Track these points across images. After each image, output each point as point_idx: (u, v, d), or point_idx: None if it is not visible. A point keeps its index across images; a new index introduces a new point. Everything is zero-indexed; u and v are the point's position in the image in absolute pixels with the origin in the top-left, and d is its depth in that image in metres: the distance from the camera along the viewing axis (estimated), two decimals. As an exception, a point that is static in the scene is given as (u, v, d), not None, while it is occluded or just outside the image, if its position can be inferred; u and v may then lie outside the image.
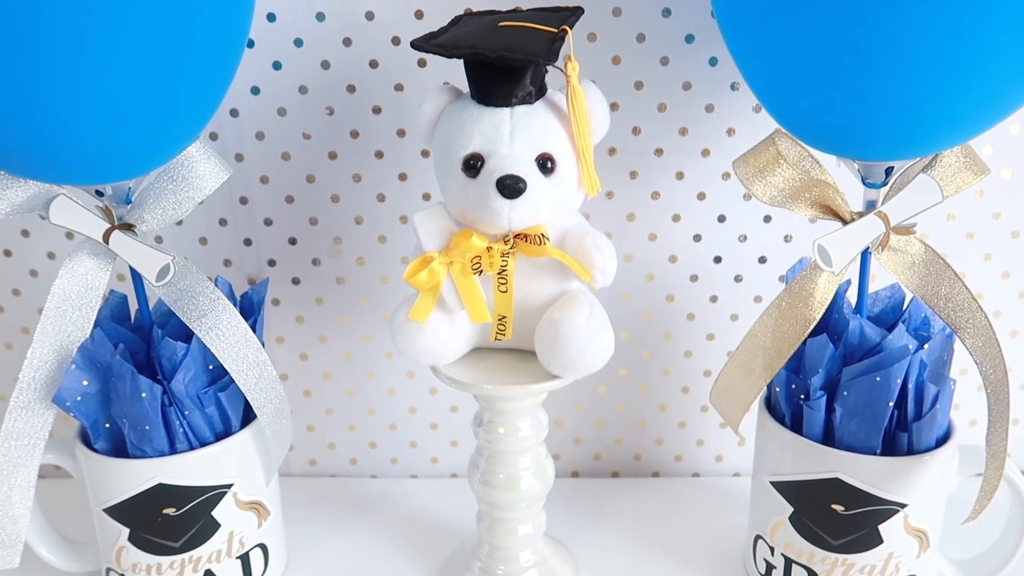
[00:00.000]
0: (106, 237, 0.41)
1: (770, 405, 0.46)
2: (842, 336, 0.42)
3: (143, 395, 0.40)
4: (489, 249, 0.39)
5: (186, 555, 0.43)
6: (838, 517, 0.42)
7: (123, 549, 0.43)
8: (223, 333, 0.42)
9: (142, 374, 0.41)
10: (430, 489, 0.59)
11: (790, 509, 0.44)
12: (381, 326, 0.57)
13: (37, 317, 0.56)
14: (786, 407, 0.43)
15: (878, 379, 0.40)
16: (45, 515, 0.46)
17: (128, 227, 0.41)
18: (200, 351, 0.42)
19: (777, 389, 0.44)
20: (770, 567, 0.46)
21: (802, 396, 0.43)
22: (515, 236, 0.39)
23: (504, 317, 0.41)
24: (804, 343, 0.42)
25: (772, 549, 0.45)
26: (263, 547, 0.47)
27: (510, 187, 0.37)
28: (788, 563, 0.44)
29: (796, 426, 0.43)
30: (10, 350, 0.58)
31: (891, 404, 0.40)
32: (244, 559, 0.46)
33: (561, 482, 0.53)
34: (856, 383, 0.40)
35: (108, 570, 0.45)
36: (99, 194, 0.41)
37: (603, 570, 0.50)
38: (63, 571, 0.47)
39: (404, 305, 0.41)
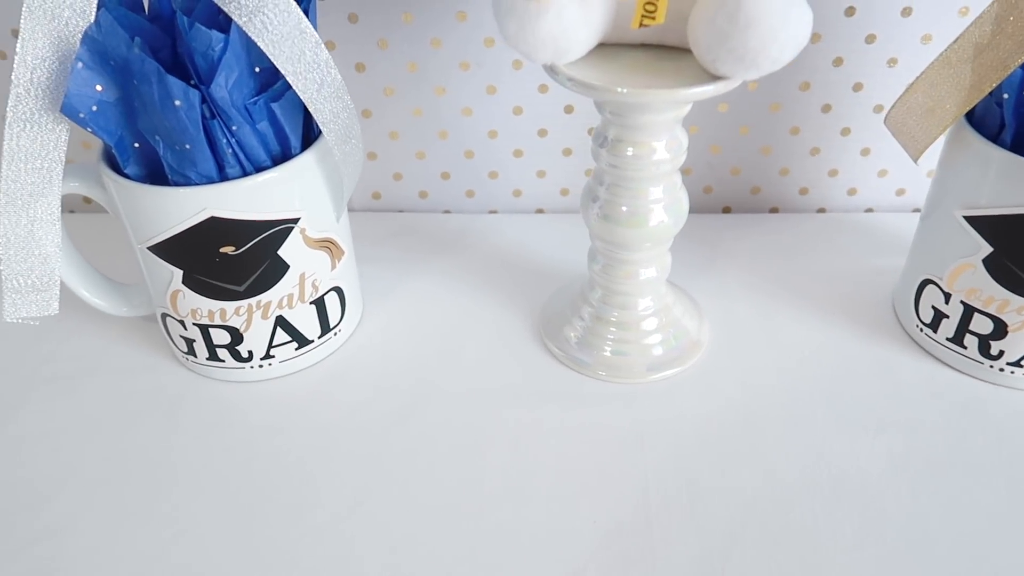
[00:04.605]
0: None
1: (974, 120, 0.36)
2: (1110, 22, 0.31)
3: (176, 103, 0.31)
4: None
5: (253, 300, 0.37)
6: (1057, 259, 0.34)
7: (178, 293, 0.36)
8: (271, 20, 0.31)
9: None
10: (513, 226, 0.52)
11: (987, 249, 0.35)
12: (454, 26, 0.45)
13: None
14: (1011, 119, 0.33)
15: None
16: (83, 254, 0.39)
17: None
18: (243, 46, 0.32)
19: (1006, 96, 0.33)
20: (940, 316, 0.38)
21: (1037, 105, 0.32)
22: None
23: (656, -8, 0.30)
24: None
25: (947, 296, 0.38)
26: (339, 291, 0.40)
27: None
28: (968, 312, 0.37)
29: (1018, 145, 0.33)
30: (3, 59, 0.48)
31: None
32: (319, 304, 0.39)
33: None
34: None
35: (164, 316, 0.38)
36: None
37: (728, 318, 0.43)
38: (112, 315, 0.41)
39: (516, -24, 0.30)
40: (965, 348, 0.38)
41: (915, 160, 0.37)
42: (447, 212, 0.53)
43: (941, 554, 0.31)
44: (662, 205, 0.36)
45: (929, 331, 0.39)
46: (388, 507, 0.34)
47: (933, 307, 0.39)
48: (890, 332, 0.42)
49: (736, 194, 0.52)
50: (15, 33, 0.46)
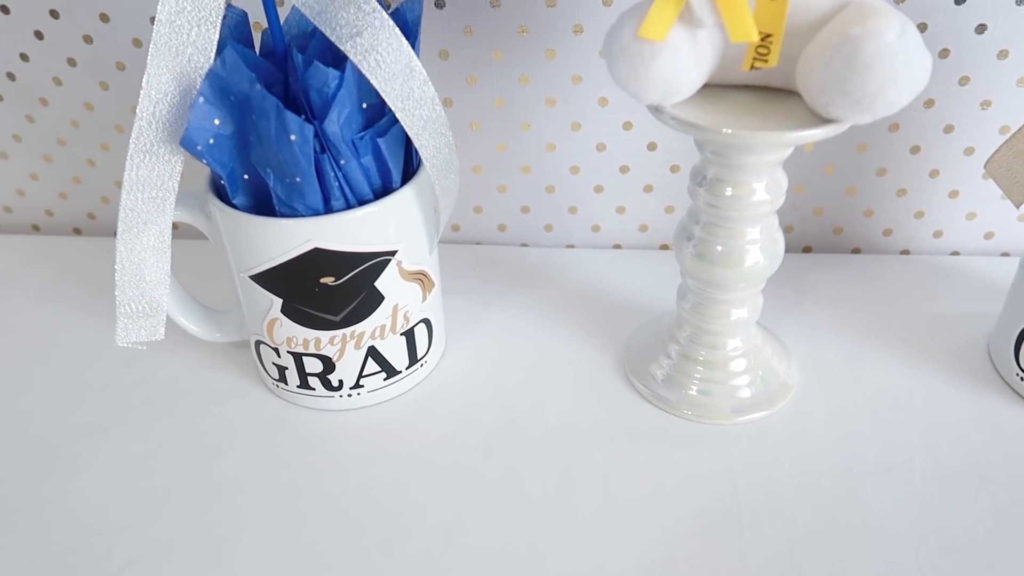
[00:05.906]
0: (223, -80, 0.30)
1: (1084, 166, 0.35)
2: None
3: (292, 138, 0.31)
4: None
5: (347, 330, 0.37)
6: None
7: (276, 321, 0.37)
8: (384, 59, 0.32)
9: (285, 111, 0.32)
10: (592, 261, 0.52)
11: (1099, 299, 0.34)
12: (543, 64, 0.46)
13: (132, 50, 0.48)
14: None
15: None
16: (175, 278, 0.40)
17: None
18: (355, 83, 0.33)
19: (1124, 143, 0.32)
20: (1043, 365, 0.37)
21: None
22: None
23: (770, 35, 0.30)
24: None
25: (1052, 344, 0.37)
26: (427, 322, 0.40)
27: None
28: (1076, 362, 0.36)
29: None
30: (105, 90, 0.50)
31: None
32: (409, 335, 0.39)
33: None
34: None
35: (259, 343, 0.39)
36: None
37: (816, 361, 0.42)
38: (204, 341, 0.42)
39: (629, 19, 0.30)
40: (1071, 399, 0.37)
41: (1018, 205, 0.37)
42: (524, 245, 0.53)
43: (1058, 616, 0.30)
44: (758, 246, 0.36)
45: (1031, 380, 0.38)
46: (480, 541, 0.33)
47: (1036, 356, 0.38)
48: (986, 380, 0.41)
49: (818, 234, 0.51)
50: (119, 67, 0.48)
